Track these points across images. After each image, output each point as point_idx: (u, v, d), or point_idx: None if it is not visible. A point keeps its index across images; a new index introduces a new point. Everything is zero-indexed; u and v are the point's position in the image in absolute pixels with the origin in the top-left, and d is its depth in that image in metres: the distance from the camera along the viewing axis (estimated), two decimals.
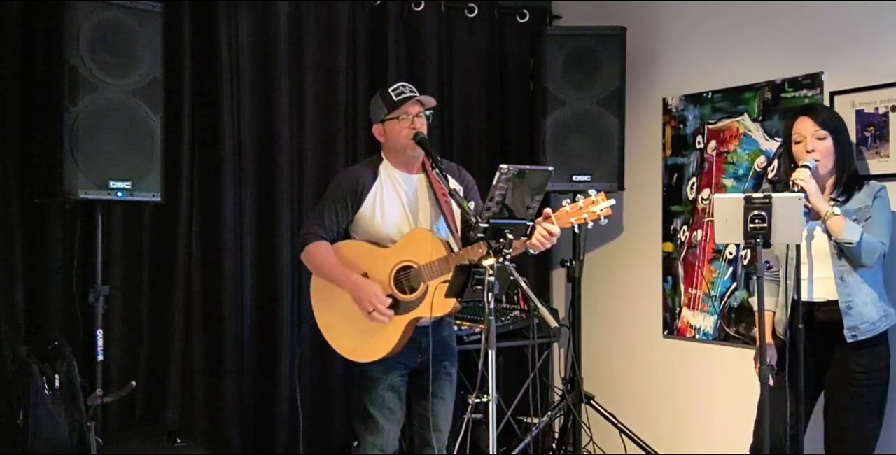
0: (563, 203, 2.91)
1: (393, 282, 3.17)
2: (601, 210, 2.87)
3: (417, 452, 3.36)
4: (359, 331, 3.19)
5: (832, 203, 3.23)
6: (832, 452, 3.31)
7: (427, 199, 3.29)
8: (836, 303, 3.22)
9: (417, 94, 3.25)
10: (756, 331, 3.36)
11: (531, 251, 2.99)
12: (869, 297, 3.21)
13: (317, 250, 3.22)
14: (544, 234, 2.91)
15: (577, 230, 2.97)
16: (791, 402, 3.18)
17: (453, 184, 3.23)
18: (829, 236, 3.21)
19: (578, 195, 2.91)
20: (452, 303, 3.03)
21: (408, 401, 3.35)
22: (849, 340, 3.20)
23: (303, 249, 3.24)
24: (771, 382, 3.09)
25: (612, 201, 2.89)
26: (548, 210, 2.94)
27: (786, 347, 3.26)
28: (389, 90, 3.26)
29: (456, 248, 3.13)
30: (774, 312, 3.39)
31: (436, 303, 3.06)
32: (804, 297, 3.25)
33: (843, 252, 3.19)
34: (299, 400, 3.72)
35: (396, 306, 3.16)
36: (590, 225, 2.89)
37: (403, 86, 3.27)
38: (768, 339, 3.31)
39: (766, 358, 3.09)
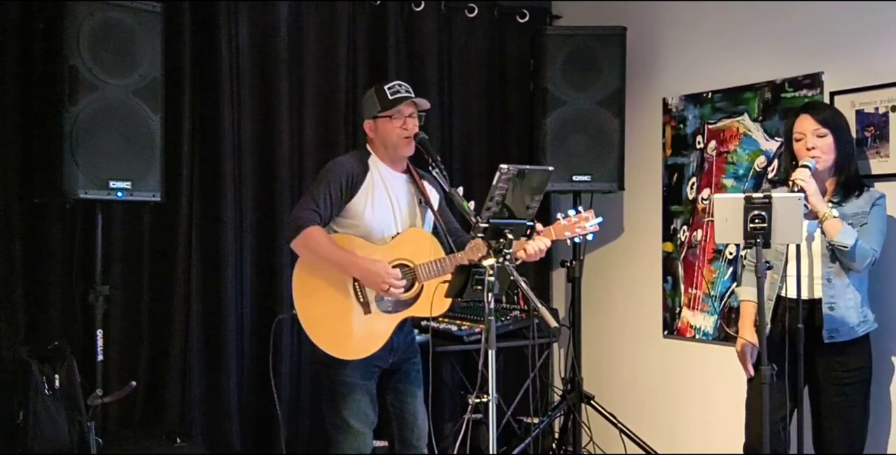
0: (558, 216, 3.19)
1: None
2: (590, 226, 3.19)
3: (400, 453, 3.36)
4: (347, 327, 3.16)
5: (830, 205, 3.23)
6: (821, 451, 3.32)
7: (413, 200, 3.30)
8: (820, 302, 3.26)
9: (412, 95, 3.27)
10: (752, 329, 3.40)
11: (515, 262, 3.03)
12: (852, 302, 3.24)
13: (315, 234, 3.12)
14: (541, 248, 3.11)
15: (568, 243, 3.25)
16: (780, 398, 3.19)
17: (430, 189, 3.29)
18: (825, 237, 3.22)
19: (570, 211, 3.20)
20: (449, 303, 3.05)
21: (382, 403, 3.34)
22: (825, 340, 3.24)
23: (298, 233, 3.11)
24: (752, 372, 3.29)
25: (600, 219, 3.22)
26: (539, 226, 3.06)
27: (786, 341, 3.26)
28: (385, 88, 3.26)
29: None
30: (754, 302, 3.39)
31: (433, 301, 3.07)
32: (792, 295, 3.25)
33: (835, 254, 3.20)
34: (276, 397, 3.68)
35: (391, 303, 3.16)
36: (578, 240, 3.23)
37: (399, 85, 3.28)
38: (750, 330, 3.37)
39: (765, 357, 3.09)
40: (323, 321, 3.18)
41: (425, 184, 3.32)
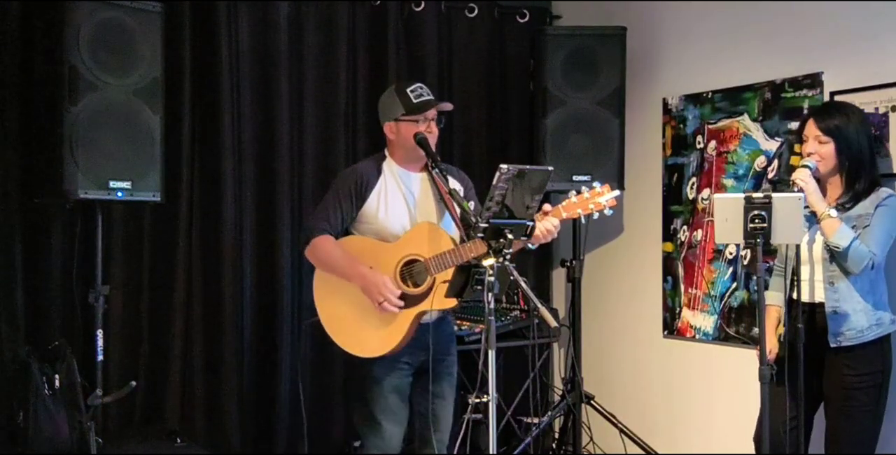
0: (570, 194, 3.01)
1: (398, 276, 3.16)
2: (606, 201, 2.98)
3: (417, 452, 3.36)
4: (364, 326, 3.17)
5: (834, 206, 3.22)
6: (830, 453, 3.30)
7: (430, 197, 3.29)
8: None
9: (434, 98, 3.26)
10: (773, 334, 3.36)
11: (530, 245, 3.01)
12: (860, 305, 3.18)
13: (323, 244, 3.18)
14: (549, 228, 2.98)
15: (583, 220, 3.06)
16: (790, 400, 3.19)
17: (453, 184, 3.25)
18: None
19: (583, 187, 3.01)
20: (449, 299, 3.04)
21: (409, 400, 3.34)
22: (832, 345, 3.20)
23: (308, 244, 3.21)
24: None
25: (617, 192, 3.01)
26: (547, 206, 3.00)
27: (786, 346, 3.26)
28: (408, 90, 3.24)
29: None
30: (780, 307, 3.38)
31: (437, 296, 3.06)
32: (805, 299, 3.25)
33: (835, 256, 3.18)
34: (302, 400, 3.69)
35: (403, 300, 3.14)
36: (595, 215, 3.01)
37: (420, 87, 3.27)
38: (772, 334, 3.32)
39: (766, 357, 3.09)
40: (341, 322, 3.22)
41: (450, 178, 3.28)
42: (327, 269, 3.23)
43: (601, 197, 2.99)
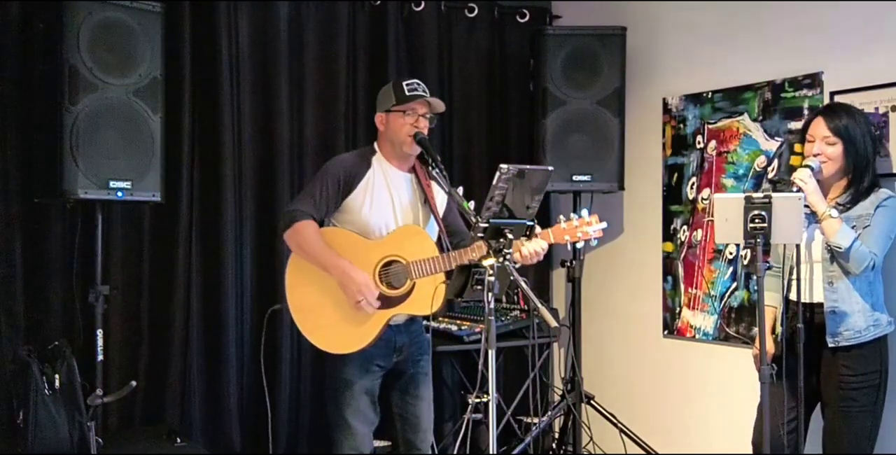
0: (559, 219, 3.10)
1: (376, 275, 3.16)
2: (593, 232, 3.10)
3: (404, 453, 3.36)
4: (336, 321, 3.14)
5: (833, 205, 3.22)
6: (828, 453, 3.30)
7: (416, 201, 3.30)
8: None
9: (428, 95, 3.27)
10: (770, 335, 3.36)
11: (513, 265, 3.02)
12: (858, 306, 3.18)
13: (305, 229, 3.13)
14: (537, 250, 3.05)
15: (568, 247, 3.20)
16: (789, 400, 3.18)
17: (438, 187, 3.27)
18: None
19: (572, 214, 3.10)
20: (441, 301, 3.05)
21: (387, 403, 3.34)
22: (830, 345, 3.20)
23: (289, 226, 3.14)
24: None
25: (604, 224, 3.12)
26: (537, 229, 3.00)
27: (783, 346, 3.25)
28: (403, 83, 3.27)
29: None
30: (777, 307, 3.38)
31: (425, 301, 3.07)
32: (804, 299, 3.25)
33: (835, 256, 3.18)
34: (267, 396, 3.66)
35: (380, 301, 3.14)
36: (580, 244, 3.13)
37: (418, 84, 3.29)
38: (768, 335, 3.31)
39: (766, 357, 3.08)
40: (311, 313, 3.18)
41: (433, 185, 3.30)
42: (306, 257, 3.17)
43: (590, 227, 3.10)
